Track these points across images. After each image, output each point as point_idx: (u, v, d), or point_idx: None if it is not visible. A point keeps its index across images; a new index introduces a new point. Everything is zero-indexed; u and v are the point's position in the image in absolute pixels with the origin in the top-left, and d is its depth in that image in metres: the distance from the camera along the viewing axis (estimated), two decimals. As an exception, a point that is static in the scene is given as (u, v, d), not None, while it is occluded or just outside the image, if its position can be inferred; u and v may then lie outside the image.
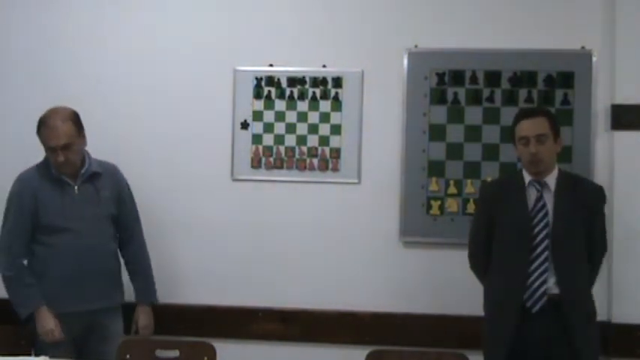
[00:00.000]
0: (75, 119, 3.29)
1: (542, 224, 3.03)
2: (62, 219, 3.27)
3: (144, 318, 3.47)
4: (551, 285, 2.99)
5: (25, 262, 3.27)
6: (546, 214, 3.04)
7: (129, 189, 3.52)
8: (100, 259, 3.33)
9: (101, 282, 3.33)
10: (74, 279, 3.26)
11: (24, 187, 3.31)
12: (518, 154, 3.16)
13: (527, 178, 3.11)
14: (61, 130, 3.22)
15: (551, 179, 3.09)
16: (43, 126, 3.26)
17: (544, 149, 3.04)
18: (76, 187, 3.31)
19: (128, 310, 3.49)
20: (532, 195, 3.09)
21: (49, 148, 3.26)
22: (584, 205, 3.07)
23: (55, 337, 3.20)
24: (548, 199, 3.06)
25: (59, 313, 3.24)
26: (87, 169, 3.34)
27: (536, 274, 3.00)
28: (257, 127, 3.73)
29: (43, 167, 3.34)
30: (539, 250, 3.01)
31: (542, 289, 2.98)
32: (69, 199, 3.30)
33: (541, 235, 3.02)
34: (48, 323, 3.20)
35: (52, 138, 3.23)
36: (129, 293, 3.53)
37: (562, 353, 2.97)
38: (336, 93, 3.69)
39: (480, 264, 3.22)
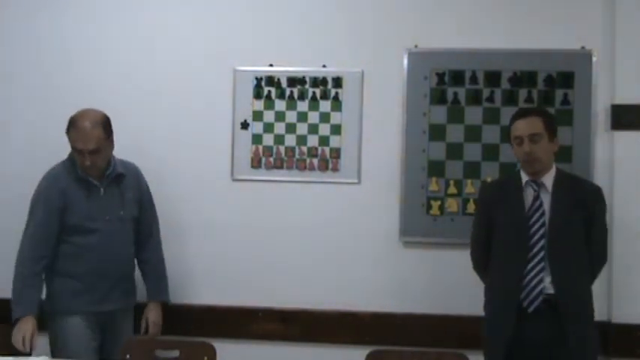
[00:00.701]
0: (105, 124, 3.28)
1: (538, 224, 3.03)
2: (88, 220, 3.28)
3: (155, 314, 3.48)
4: (547, 285, 2.99)
5: (43, 263, 3.24)
6: (543, 214, 3.04)
7: (148, 189, 3.54)
8: (121, 261, 3.37)
9: (121, 284, 3.37)
10: (97, 279, 3.28)
11: (52, 186, 3.29)
12: (514, 154, 3.16)
13: (524, 178, 3.12)
14: (91, 135, 3.21)
15: (549, 179, 3.09)
16: (73, 127, 3.23)
17: (538, 148, 3.05)
18: (102, 189, 3.32)
19: (137, 311, 3.50)
20: (529, 195, 3.09)
21: (76, 150, 3.25)
22: (582, 206, 3.07)
23: (23, 347, 3.14)
24: (545, 199, 3.07)
25: (82, 313, 3.25)
26: (112, 170, 3.35)
27: (532, 273, 3.00)
28: (257, 127, 3.73)
29: (70, 166, 3.33)
30: (535, 250, 3.01)
31: (538, 289, 2.98)
32: (95, 201, 3.31)
33: (537, 235, 3.02)
34: (26, 330, 3.15)
35: (81, 141, 3.22)
36: (141, 294, 3.54)
37: (559, 353, 2.97)
38: (336, 93, 3.69)
39: (481, 264, 3.22)
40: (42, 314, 3.27)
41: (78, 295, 3.27)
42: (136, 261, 3.50)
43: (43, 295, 3.31)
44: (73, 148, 3.27)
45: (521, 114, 3.15)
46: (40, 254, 3.25)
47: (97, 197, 3.31)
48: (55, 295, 3.30)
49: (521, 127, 3.07)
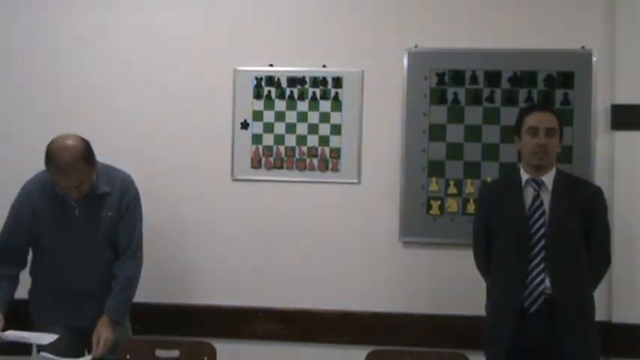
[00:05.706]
0: (85, 155, 3.06)
1: (538, 224, 3.03)
2: (58, 240, 3.18)
3: (107, 330, 3.13)
4: (548, 285, 2.99)
5: (10, 268, 3.18)
6: (543, 214, 3.04)
7: (133, 205, 3.29)
8: (97, 281, 3.21)
9: (99, 304, 3.19)
10: (70, 299, 3.19)
11: (24, 203, 3.19)
12: (521, 146, 3.13)
13: (524, 177, 3.11)
14: (72, 172, 3.03)
15: (549, 178, 3.09)
16: (53, 166, 3.04)
17: (551, 143, 3.06)
18: (77, 210, 3.17)
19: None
20: (529, 194, 3.08)
21: (59, 185, 3.11)
22: (583, 206, 3.06)
23: None
24: (546, 199, 3.06)
25: (62, 326, 3.16)
26: (93, 192, 3.17)
27: (533, 273, 3.00)
28: (257, 127, 3.73)
29: (49, 183, 3.17)
30: (536, 250, 3.01)
31: (539, 289, 2.98)
32: (68, 221, 3.17)
33: (538, 235, 3.02)
34: None
35: (64, 180, 3.06)
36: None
37: (560, 353, 2.96)
38: (336, 93, 3.69)
39: (484, 264, 3.22)
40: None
41: (53, 313, 3.18)
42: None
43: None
44: (54, 182, 3.11)
45: (539, 107, 3.19)
46: (6, 261, 3.17)
47: (70, 218, 3.16)
48: (34, 313, 3.24)
49: (539, 118, 3.07)
